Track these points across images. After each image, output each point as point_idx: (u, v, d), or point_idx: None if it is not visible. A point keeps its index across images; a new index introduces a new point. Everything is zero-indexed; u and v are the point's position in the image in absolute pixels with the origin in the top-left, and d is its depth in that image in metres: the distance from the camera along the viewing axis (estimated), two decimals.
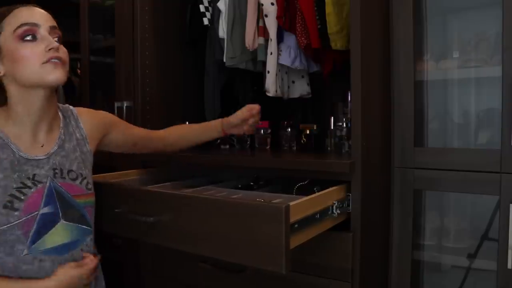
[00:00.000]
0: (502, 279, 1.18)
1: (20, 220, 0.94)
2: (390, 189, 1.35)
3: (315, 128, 1.70)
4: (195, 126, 1.43)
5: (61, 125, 1.08)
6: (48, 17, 1.00)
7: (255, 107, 1.37)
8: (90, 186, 1.08)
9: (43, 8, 1.01)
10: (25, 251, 0.94)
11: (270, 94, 1.59)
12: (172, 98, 1.89)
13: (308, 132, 1.70)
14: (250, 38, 1.61)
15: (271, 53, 1.57)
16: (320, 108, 1.83)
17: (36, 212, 0.96)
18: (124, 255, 1.83)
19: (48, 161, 1.02)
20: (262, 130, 1.80)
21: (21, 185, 0.96)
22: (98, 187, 1.13)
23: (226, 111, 1.88)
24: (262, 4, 1.55)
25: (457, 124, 1.49)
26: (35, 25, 0.96)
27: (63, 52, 0.99)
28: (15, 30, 0.94)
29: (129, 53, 1.79)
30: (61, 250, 0.99)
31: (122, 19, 1.83)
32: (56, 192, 1.00)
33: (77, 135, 1.11)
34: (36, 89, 0.98)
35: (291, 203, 0.92)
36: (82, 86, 2.16)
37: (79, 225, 1.03)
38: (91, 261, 1.04)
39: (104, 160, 1.31)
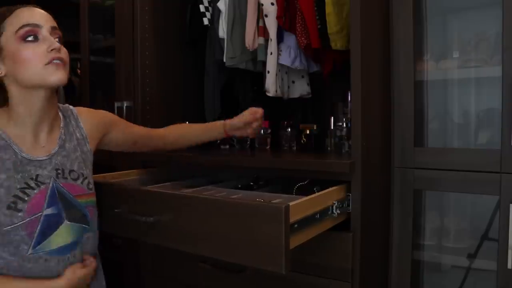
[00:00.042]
0: (502, 279, 1.18)
1: (24, 221, 0.94)
2: (390, 189, 1.35)
3: (315, 128, 1.70)
4: (197, 126, 1.43)
5: (61, 125, 1.08)
6: (49, 17, 1.00)
7: (259, 111, 1.37)
8: (91, 186, 1.09)
9: (43, 8, 1.01)
10: (30, 251, 0.95)
11: (270, 94, 1.59)
12: (172, 98, 1.89)
13: (308, 132, 1.70)
14: (250, 38, 1.61)
15: (271, 53, 1.57)
16: (320, 108, 1.83)
17: (40, 213, 0.96)
18: (124, 255, 1.83)
19: (51, 161, 1.02)
20: (262, 130, 1.80)
21: (25, 186, 0.96)
22: (98, 187, 1.13)
23: (226, 111, 1.88)
24: (262, 4, 1.55)
25: (457, 124, 1.48)
26: (37, 25, 0.96)
27: (64, 53, 0.99)
28: (17, 31, 0.94)
29: (129, 53, 1.79)
30: (65, 250, 1.00)
31: (122, 19, 1.83)
32: (58, 193, 1.00)
33: (77, 134, 1.11)
34: (37, 90, 0.98)
35: (291, 203, 0.92)
36: (82, 86, 2.16)
37: (81, 225, 1.03)
38: (92, 261, 1.05)
39: (104, 159, 1.31)
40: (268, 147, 1.79)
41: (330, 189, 1.15)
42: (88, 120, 1.15)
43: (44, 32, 0.96)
